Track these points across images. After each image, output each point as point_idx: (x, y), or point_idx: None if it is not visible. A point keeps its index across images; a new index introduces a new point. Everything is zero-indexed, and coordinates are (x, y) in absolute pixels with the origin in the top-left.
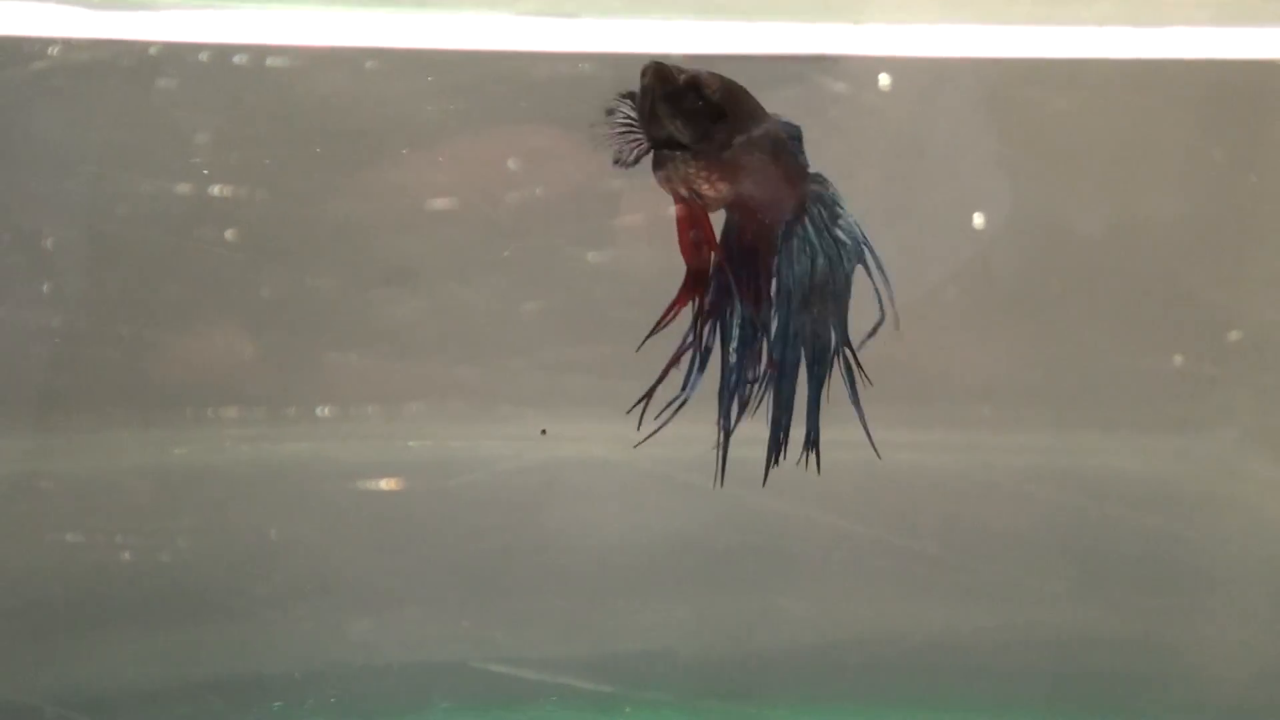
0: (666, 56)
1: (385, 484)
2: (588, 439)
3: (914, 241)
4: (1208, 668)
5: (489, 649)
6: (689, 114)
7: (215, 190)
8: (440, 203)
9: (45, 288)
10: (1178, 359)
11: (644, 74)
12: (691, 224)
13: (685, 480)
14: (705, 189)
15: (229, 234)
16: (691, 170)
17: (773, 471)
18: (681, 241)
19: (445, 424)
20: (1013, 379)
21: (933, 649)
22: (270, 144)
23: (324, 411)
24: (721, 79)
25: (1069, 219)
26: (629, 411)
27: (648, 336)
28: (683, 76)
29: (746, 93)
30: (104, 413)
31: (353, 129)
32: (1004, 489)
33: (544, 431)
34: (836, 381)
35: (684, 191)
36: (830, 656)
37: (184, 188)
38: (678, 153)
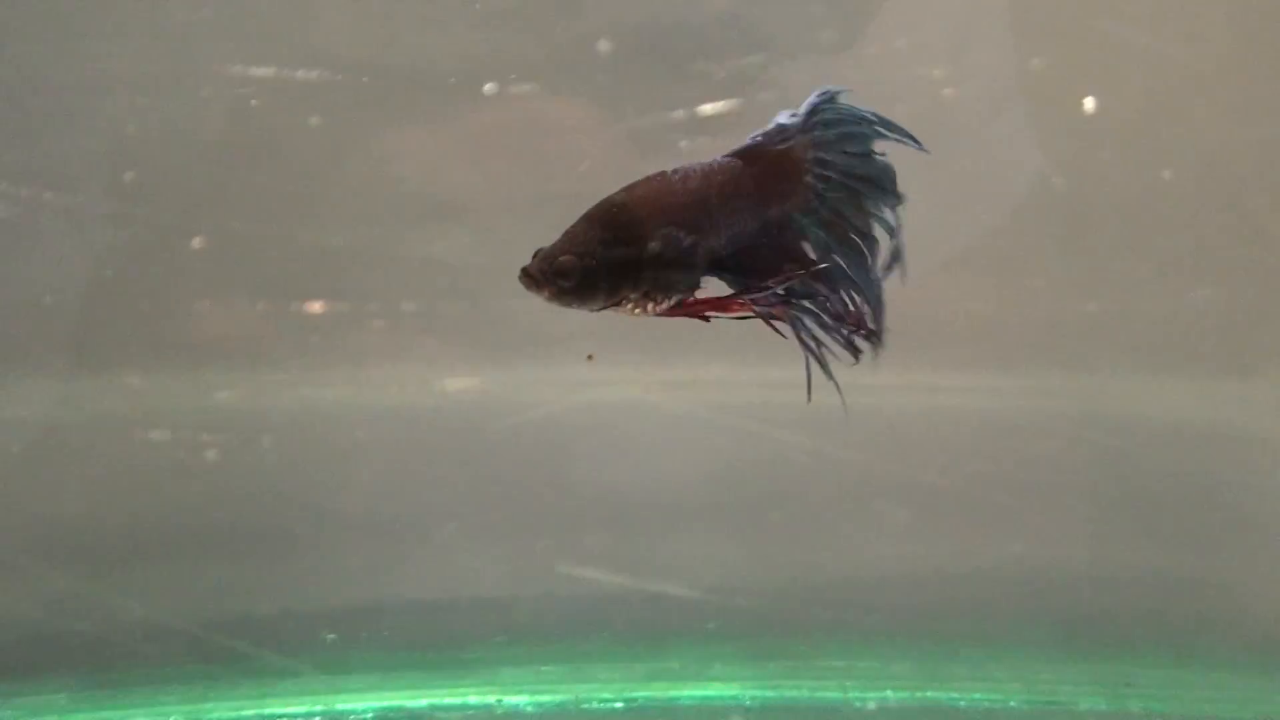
0: None
1: (431, 425)
2: (631, 381)
3: (965, 163)
4: (1259, 608)
5: (541, 585)
6: (587, 294)
7: (255, 127)
8: (484, 136)
9: (83, 224)
10: (1230, 300)
11: None
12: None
13: (724, 422)
14: (670, 300)
15: (269, 176)
16: (645, 308)
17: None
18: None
19: (488, 366)
20: (1062, 320)
21: (980, 587)
22: (312, 75)
23: (368, 354)
24: (586, 239)
25: (1124, 142)
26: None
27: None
28: (544, 281)
29: (633, 206)
30: (148, 356)
31: (395, 58)
32: (1051, 432)
33: (590, 357)
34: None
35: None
36: (876, 594)
37: (221, 122)
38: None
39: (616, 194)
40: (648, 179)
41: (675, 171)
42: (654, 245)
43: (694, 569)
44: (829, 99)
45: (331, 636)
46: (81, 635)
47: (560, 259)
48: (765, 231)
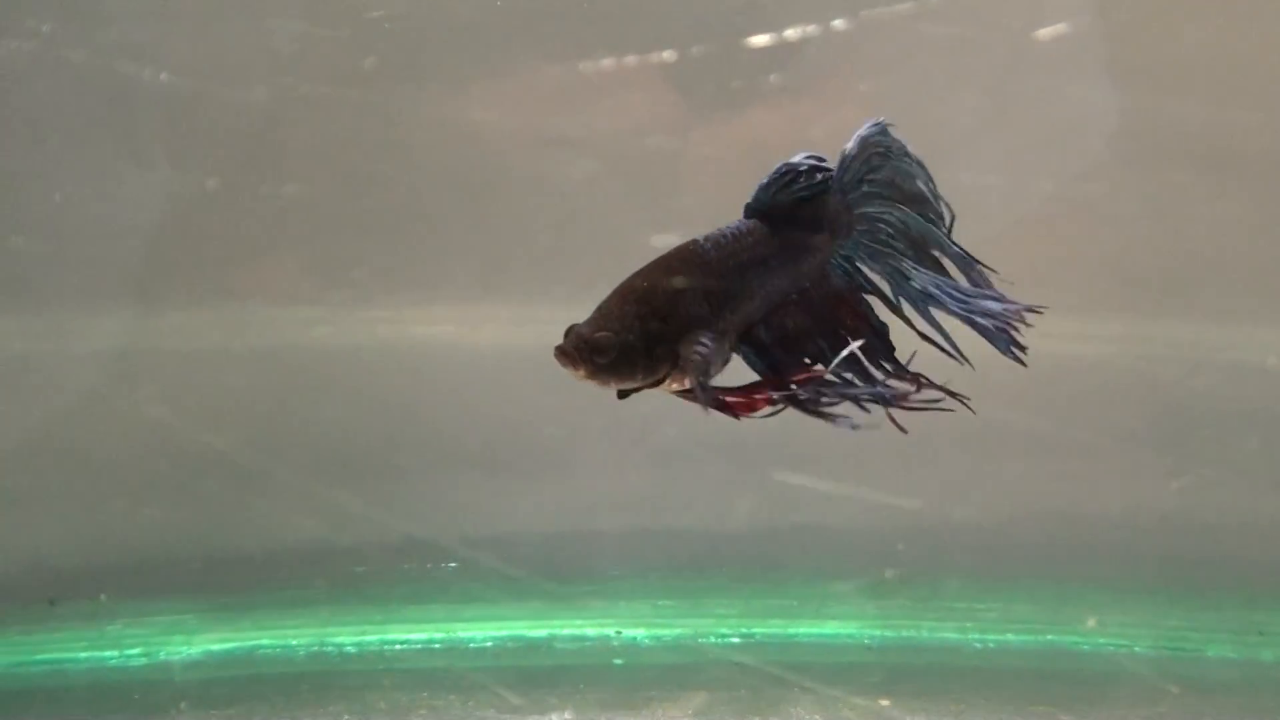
0: None
1: (544, 361)
2: None
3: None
4: None
5: (660, 519)
6: (625, 370)
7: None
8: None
9: (177, 155)
10: None
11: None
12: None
13: None
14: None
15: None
16: (683, 384)
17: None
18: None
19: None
20: (1186, 266)
21: (1105, 531)
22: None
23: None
24: (622, 314)
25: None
26: None
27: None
28: (581, 358)
29: (668, 280)
30: (242, 292)
31: None
32: (1176, 380)
33: None
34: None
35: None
36: (999, 537)
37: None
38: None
39: (649, 266)
40: (680, 250)
41: (706, 239)
42: (691, 318)
43: (814, 507)
44: (880, 130)
45: (453, 565)
46: (208, 560)
47: (597, 335)
48: (798, 287)
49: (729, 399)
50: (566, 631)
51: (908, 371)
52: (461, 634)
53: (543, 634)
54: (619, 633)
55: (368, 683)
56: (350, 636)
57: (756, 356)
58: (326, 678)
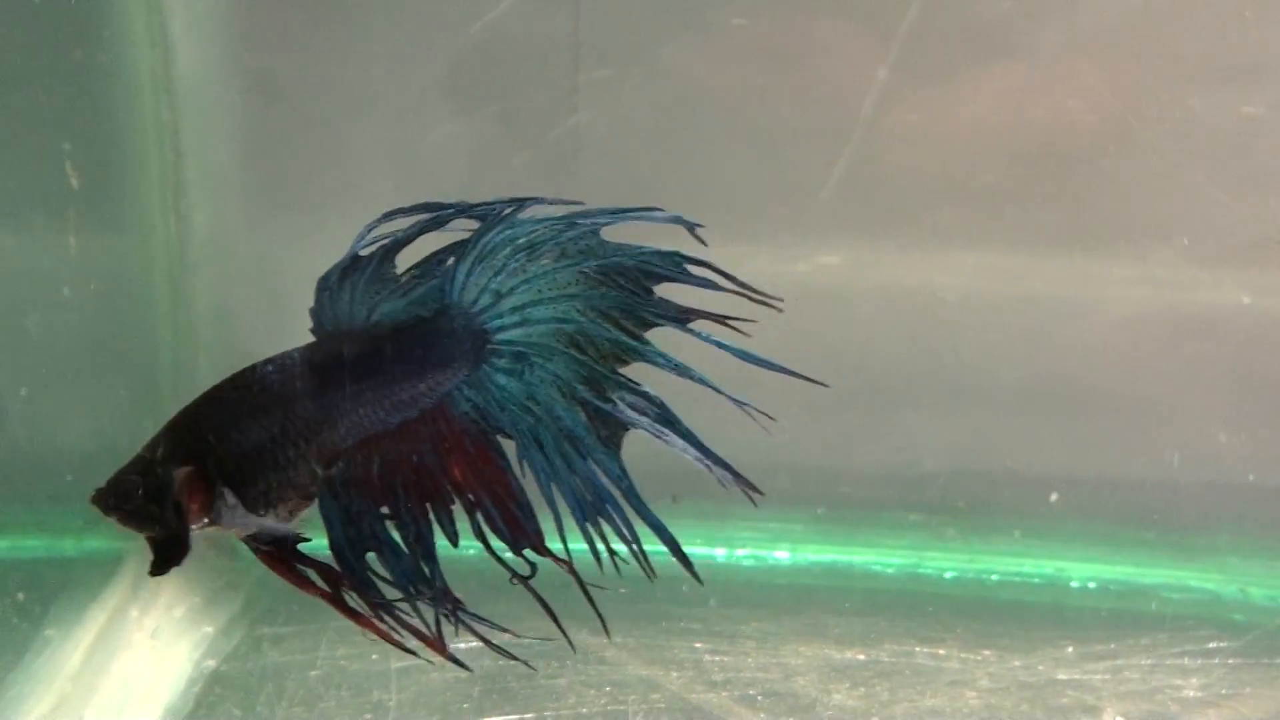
0: None
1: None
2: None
3: None
4: None
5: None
6: (146, 515)
7: None
8: None
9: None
10: None
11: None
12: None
13: None
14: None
15: None
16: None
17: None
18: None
19: None
20: None
21: None
22: None
23: None
24: (149, 451)
25: None
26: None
27: None
28: (107, 506)
29: (195, 414)
30: None
31: None
32: None
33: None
34: None
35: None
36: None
37: None
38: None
39: (200, 396)
40: (234, 377)
41: (269, 362)
42: (246, 450)
43: None
44: (505, 226)
45: (1054, 497)
46: (817, 473)
47: (117, 478)
48: (397, 417)
49: (277, 564)
50: (1171, 581)
51: (542, 548)
52: (1064, 572)
53: (1148, 582)
54: (1244, 590)
55: (962, 610)
56: (949, 563)
57: (332, 500)
58: (920, 599)
